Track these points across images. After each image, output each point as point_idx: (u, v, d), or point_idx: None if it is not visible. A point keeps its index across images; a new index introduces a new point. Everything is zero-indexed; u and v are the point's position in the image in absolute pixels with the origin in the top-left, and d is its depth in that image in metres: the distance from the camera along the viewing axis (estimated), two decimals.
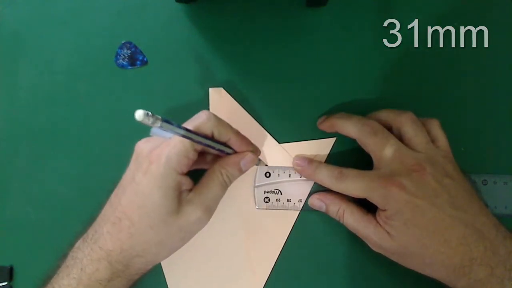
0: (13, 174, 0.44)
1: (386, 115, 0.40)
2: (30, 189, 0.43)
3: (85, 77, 0.45)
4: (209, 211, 0.37)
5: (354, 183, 0.37)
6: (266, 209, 0.42)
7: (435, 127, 0.39)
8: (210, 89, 0.44)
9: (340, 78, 0.44)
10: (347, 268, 0.42)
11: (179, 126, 0.33)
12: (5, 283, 0.42)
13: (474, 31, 0.45)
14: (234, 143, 0.38)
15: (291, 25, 0.45)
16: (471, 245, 0.34)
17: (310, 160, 0.41)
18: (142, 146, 0.37)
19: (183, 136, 0.33)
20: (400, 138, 0.38)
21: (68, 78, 0.45)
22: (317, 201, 0.41)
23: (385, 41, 0.45)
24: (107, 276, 0.35)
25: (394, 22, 0.45)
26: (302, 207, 0.42)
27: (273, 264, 0.42)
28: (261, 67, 0.44)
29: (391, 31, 0.45)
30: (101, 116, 0.44)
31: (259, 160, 0.41)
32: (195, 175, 0.37)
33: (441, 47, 0.45)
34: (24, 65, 0.45)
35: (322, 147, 0.43)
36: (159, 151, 0.35)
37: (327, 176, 0.39)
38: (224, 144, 0.38)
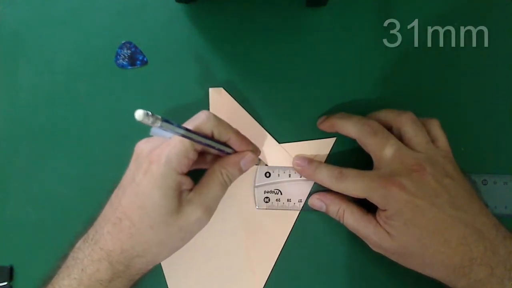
0: (13, 174, 0.44)
1: (386, 115, 0.40)
2: (30, 189, 0.43)
3: (85, 77, 0.45)
4: (210, 211, 0.37)
5: (354, 183, 0.37)
6: (266, 209, 0.42)
7: (435, 127, 0.39)
8: (210, 89, 0.44)
9: (340, 78, 0.44)
10: (347, 268, 0.42)
11: (179, 126, 0.33)
12: (5, 283, 0.42)
13: (474, 31, 0.45)
14: (234, 142, 0.38)
15: (291, 25, 0.45)
16: (471, 245, 0.34)
17: (310, 160, 0.41)
18: (142, 146, 0.37)
19: (183, 136, 0.33)
20: (400, 138, 0.38)
21: (68, 78, 0.45)
22: (317, 201, 0.41)
23: (385, 41, 0.45)
24: (108, 277, 0.35)
25: (394, 22, 0.45)
26: (302, 207, 0.42)
27: (273, 264, 0.42)
28: (261, 67, 0.45)
29: (391, 31, 0.45)
30: (101, 116, 0.44)
31: (259, 160, 0.41)
32: (195, 175, 0.37)
33: (441, 47, 0.45)
34: (24, 65, 0.45)
35: (322, 147, 0.43)
36: (159, 151, 0.35)
37: (327, 176, 0.39)
38: (224, 144, 0.38)
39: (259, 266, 0.42)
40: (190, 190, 0.37)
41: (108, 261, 0.35)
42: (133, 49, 0.45)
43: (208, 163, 0.40)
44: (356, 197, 0.37)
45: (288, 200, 0.42)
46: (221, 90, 0.43)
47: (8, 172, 0.44)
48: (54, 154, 0.44)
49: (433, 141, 0.38)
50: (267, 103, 0.44)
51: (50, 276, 0.37)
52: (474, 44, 0.45)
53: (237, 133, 0.38)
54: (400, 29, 0.45)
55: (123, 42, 0.45)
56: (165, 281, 0.42)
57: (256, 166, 0.42)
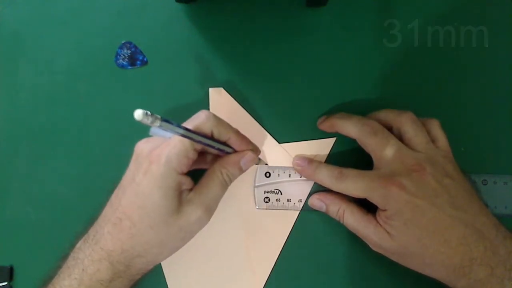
0: (13, 174, 0.44)
1: (386, 115, 0.40)
2: (30, 189, 0.43)
3: (85, 77, 0.45)
4: (210, 210, 0.37)
5: (354, 183, 0.37)
6: (266, 209, 0.42)
7: (435, 127, 0.39)
8: (210, 89, 0.44)
9: (340, 78, 0.44)
10: (347, 268, 0.42)
11: (179, 126, 0.33)
12: (5, 283, 0.42)
13: (474, 31, 0.45)
14: (234, 142, 0.38)
15: (291, 25, 0.45)
16: (471, 245, 0.34)
17: (310, 160, 0.41)
18: (142, 146, 0.37)
19: (183, 135, 0.33)
20: (400, 138, 0.38)
21: (68, 78, 0.45)
22: (317, 201, 0.41)
23: (385, 41, 0.45)
24: (109, 277, 0.35)
25: (394, 22, 0.45)
26: (302, 207, 0.42)
27: (273, 264, 0.42)
28: (261, 67, 0.45)
29: (391, 31, 0.45)
30: (101, 116, 0.44)
31: (259, 159, 0.41)
32: (195, 175, 0.37)
33: (441, 47, 0.45)
34: (24, 65, 0.45)
35: (322, 147, 0.43)
36: (159, 151, 0.35)
37: (327, 176, 0.39)
38: (224, 143, 0.38)
39: (259, 266, 0.42)
40: (190, 190, 0.37)
41: (109, 261, 0.35)
42: (133, 49, 0.45)
43: (208, 163, 0.40)
44: (356, 197, 0.37)
45: (288, 200, 0.42)
46: (221, 90, 0.43)
47: (8, 172, 0.44)
48: (54, 154, 0.44)
49: (433, 141, 0.38)
50: (267, 103, 0.44)
51: (50, 276, 0.37)
52: (474, 44, 0.45)
53: (237, 132, 0.38)
54: (400, 29, 0.45)
55: (123, 42, 0.45)
56: (165, 281, 0.42)
57: (256, 166, 0.42)
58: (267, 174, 0.42)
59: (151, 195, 0.34)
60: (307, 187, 0.42)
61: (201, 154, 0.38)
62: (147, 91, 0.44)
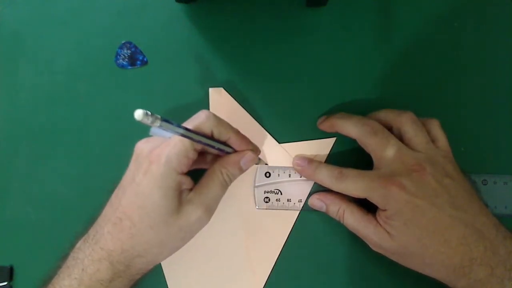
0: (13, 174, 0.44)
1: (386, 115, 0.40)
2: (30, 189, 0.43)
3: (85, 77, 0.45)
4: (210, 210, 0.37)
5: (354, 183, 0.37)
6: (266, 209, 0.42)
7: (435, 127, 0.39)
8: (210, 89, 0.44)
9: (340, 78, 0.44)
10: (347, 268, 0.42)
11: (179, 126, 0.33)
12: (5, 283, 0.42)
13: (474, 31, 0.45)
14: (234, 142, 0.38)
15: (291, 25, 0.45)
16: (471, 245, 0.34)
17: (310, 160, 0.41)
18: (142, 146, 0.37)
19: (183, 135, 0.33)
20: (400, 138, 0.38)
21: (68, 78, 0.45)
22: (317, 201, 0.41)
23: (385, 41, 0.45)
24: (109, 276, 0.35)
25: (394, 22, 0.45)
26: (302, 207, 0.42)
27: (273, 264, 0.42)
28: (261, 67, 0.45)
29: (391, 31, 0.45)
30: (101, 116, 0.44)
31: (259, 159, 0.41)
32: (195, 175, 0.37)
33: (441, 47, 0.45)
34: (24, 65, 0.45)
35: (322, 147, 0.43)
36: (159, 151, 0.35)
37: (327, 176, 0.39)
38: (224, 143, 0.38)
39: (259, 266, 0.42)
40: (190, 190, 0.37)
41: (109, 261, 0.35)
42: (133, 49, 0.45)
43: (208, 163, 0.40)
44: (356, 197, 0.37)
45: (288, 200, 0.42)
46: (221, 90, 0.43)
47: (8, 172, 0.44)
48: (54, 154, 0.44)
49: (433, 141, 0.38)
50: (267, 103, 0.44)
51: (50, 276, 0.37)
52: (474, 44, 0.45)
53: (237, 132, 0.38)
54: (400, 29, 0.45)
55: (123, 42, 0.45)
56: (165, 281, 0.42)
57: (256, 166, 0.42)
58: (267, 174, 0.42)
59: (151, 195, 0.34)
60: (307, 187, 0.42)
61: (201, 154, 0.38)
62: (147, 91, 0.44)
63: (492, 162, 0.44)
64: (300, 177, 0.42)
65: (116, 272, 0.35)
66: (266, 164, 0.43)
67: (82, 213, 0.41)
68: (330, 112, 0.43)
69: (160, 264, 0.41)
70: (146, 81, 0.44)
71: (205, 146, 0.36)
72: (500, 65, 0.45)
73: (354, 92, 0.44)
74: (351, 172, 0.38)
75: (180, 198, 0.35)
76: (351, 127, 0.39)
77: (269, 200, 0.42)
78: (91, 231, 0.37)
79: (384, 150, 0.37)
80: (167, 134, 0.33)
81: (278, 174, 0.42)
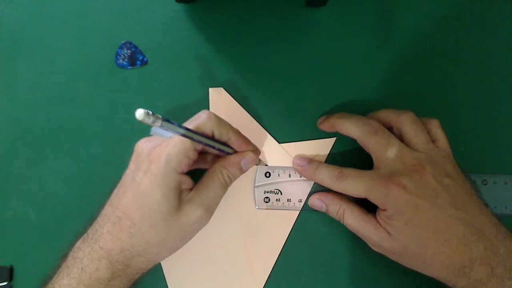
0: (13, 174, 0.43)
1: (386, 115, 0.40)
2: (30, 189, 0.43)
3: (85, 77, 0.45)
4: (210, 210, 0.37)
5: (355, 183, 0.37)
6: (266, 209, 0.42)
7: (435, 127, 0.39)
8: (210, 89, 0.44)
9: (340, 78, 0.44)
10: (347, 268, 0.42)
11: (180, 126, 0.33)
12: (5, 283, 0.42)
13: (474, 31, 0.45)
14: (235, 142, 0.38)
15: (291, 25, 0.45)
16: (471, 245, 0.34)
17: (310, 160, 0.41)
18: (142, 145, 0.37)
19: (183, 135, 0.33)
20: (401, 138, 0.38)
21: (68, 78, 0.45)
22: (317, 201, 0.41)
23: (385, 41, 0.45)
24: (108, 276, 0.35)
25: (394, 22, 0.45)
26: (302, 207, 0.42)
27: (273, 264, 0.42)
28: (261, 67, 0.45)
29: (391, 31, 0.45)
30: (101, 116, 0.44)
31: (259, 160, 0.41)
32: (195, 175, 0.37)
33: (441, 47, 0.45)
34: (24, 65, 0.45)
35: (322, 147, 0.43)
36: (159, 151, 0.35)
37: (327, 176, 0.39)
38: (224, 143, 0.38)
39: (259, 266, 0.42)
40: (190, 189, 0.37)
41: (108, 260, 0.35)
42: (133, 49, 0.45)
43: (209, 163, 0.40)
44: (356, 196, 0.37)
45: (288, 200, 0.42)
46: (221, 90, 0.43)
47: (8, 172, 0.44)
48: (54, 154, 0.44)
49: (433, 141, 0.38)
50: (267, 103, 0.44)
51: (50, 275, 0.37)
52: (474, 44, 0.45)
53: (238, 133, 0.38)
54: (400, 29, 0.45)
55: (123, 42, 0.45)
56: (165, 281, 0.42)
57: (256, 166, 0.42)
58: (267, 174, 0.42)
59: (152, 195, 0.34)
60: (307, 187, 0.42)
61: (202, 154, 0.38)
62: (147, 91, 0.44)
63: (492, 162, 0.44)
64: (300, 177, 0.42)
65: (115, 271, 0.35)
66: (266, 165, 0.43)
67: (82, 213, 0.41)
68: (330, 112, 0.43)
69: (160, 264, 0.41)
70: (146, 81, 0.44)
71: (205, 146, 0.36)
72: (500, 65, 0.45)
73: (354, 92, 0.44)
74: (351, 172, 0.38)
75: (180, 198, 0.36)
76: (351, 127, 0.39)
77: (269, 200, 0.42)
78: (91, 231, 0.37)
79: (384, 150, 0.37)
80: (168, 134, 0.33)
81: (278, 174, 0.42)
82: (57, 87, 0.44)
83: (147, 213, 0.35)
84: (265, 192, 0.42)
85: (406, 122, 0.38)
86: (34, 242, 0.43)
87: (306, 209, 0.42)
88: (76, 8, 0.45)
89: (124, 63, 0.44)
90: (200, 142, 0.35)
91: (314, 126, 0.43)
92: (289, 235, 0.42)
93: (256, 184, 0.42)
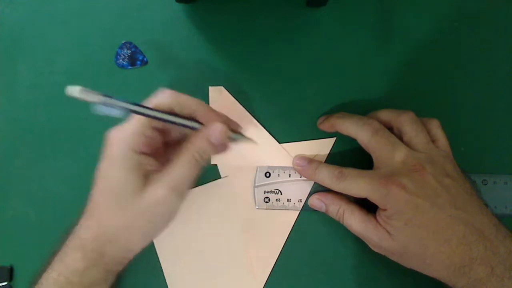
0: (13, 174, 0.43)
1: (386, 115, 0.40)
2: (30, 189, 0.43)
3: (85, 77, 0.45)
4: (177, 190, 0.35)
5: (355, 183, 0.37)
6: (266, 209, 0.42)
7: (435, 127, 0.39)
8: (210, 88, 0.44)
9: (340, 78, 0.44)
10: (347, 268, 0.42)
11: (127, 101, 0.31)
12: (5, 283, 0.42)
13: (474, 31, 0.45)
14: (202, 116, 0.36)
15: (291, 25, 0.45)
16: (471, 245, 0.34)
17: (310, 160, 0.41)
18: (109, 134, 0.36)
19: (134, 112, 0.32)
20: (400, 137, 0.38)
21: (68, 78, 0.45)
22: (317, 201, 0.41)
23: (385, 41, 0.45)
24: (83, 265, 0.35)
25: (394, 22, 0.45)
26: (302, 207, 0.42)
27: (273, 264, 0.42)
28: (261, 67, 0.45)
29: (391, 31, 0.45)
30: (101, 116, 0.44)
31: (243, 136, 0.39)
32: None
33: (441, 47, 0.45)
34: (24, 65, 0.45)
35: (322, 147, 0.43)
36: (116, 133, 0.35)
37: (328, 176, 0.39)
38: (191, 120, 0.36)
39: (259, 266, 0.42)
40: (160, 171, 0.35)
41: (83, 250, 0.35)
42: (133, 49, 0.45)
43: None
44: (356, 196, 0.37)
45: (288, 200, 0.42)
46: (221, 88, 0.43)
47: (8, 172, 0.44)
48: (54, 154, 0.44)
49: (433, 141, 0.38)
50: (267, 103, 0.44)
51: (39, 273, 0.37)
52: (474, 44, 0.45)
53: (203, 105, 0.36)
54: (399, 29, 0.45)
55: (123, 42, 0.45)
56: (165, 281, 0.42)
57: (256, 166, 0.42)
58: (267, 174, 0.42)
59: (112, 177, 0.34)
60: (307, 187, 0.42)
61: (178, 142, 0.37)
62: (147, 91, 0.44)
63: (492, 162, 0.44)
64: (300, 177, 0.42)
65: (90, 260, 0.35)
66: (248, 139, 0.40)
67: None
68: (330, 112, 0.43)
69: (160, 264, 0.41)
70: (146, 81, 0.44)
71: (166, 123, 0.35)
72: (500, 65, 0.45)
73: (354, 92, 0.44)
74: (351, 172, 0.38)
75: (145, 179, 0.34)
76: (351, 127, 0.39)
77: (269, 200, 0.42)
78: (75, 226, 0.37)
79: (384, 150, 0.37)
80: (115, 112, 0.32)
81: (278, 174, 0.42)
82: (57, 87, 0.44)
83: (111, 196, 0.34)
84: (265, 192, 0.42)
85: (406, 122, 0.38)
86: (34, 242, 0.43)
87: (306, 209, 0.42)
88: (76, 8, 0.45)
89: (124, 63, 0.44)
90: (156, 118, 0.34)
91: (314, 126, 0.43)
92: (289, 235, 0.42)
93: (256, 184, 0.42)
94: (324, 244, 0.42)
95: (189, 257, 0.41)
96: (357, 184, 0.37)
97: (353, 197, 0.38)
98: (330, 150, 0.43)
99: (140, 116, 0.33)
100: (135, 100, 0.44)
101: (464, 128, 0.44)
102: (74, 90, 0.27)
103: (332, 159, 0.43)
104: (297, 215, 0.42)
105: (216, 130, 0.35)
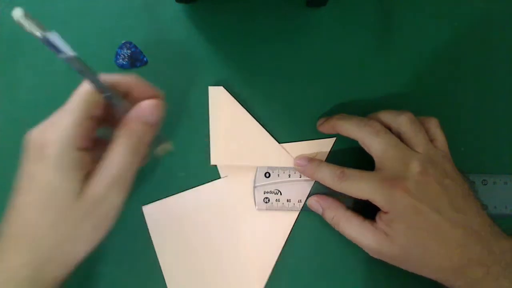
0: (13, 174, 0.43)
1: (384, 115, 0.40)
2: None
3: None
4: (117, 183, 0.31)
5: (357, 184, 0.37)
6: (266, 209, 0.42)
7: (434, 126, 0.39)
8: (210, 88, 0.43)
9: (340, 78, 0.44)
10: (347, 269, 0.42)
11: (73, 53, 0.29)
12: None
13: (474, 30, 0.45)
14: (136, 93, 0.33)
15: (291, 25, 0.45)
16: (469, 246, 0.34)
17: (310, 159, 0.41)
18: (30, 136, 0.32)
19: (74, 63, 0.30)
20: (400, 138, 0.38)
21: (68, 78, 0.44)
22: (315, 203, 0.41)
23: (385, 41, 0.45)
24: None
25: (394, 22, 0.45)
26: (302, 207, 0.42)
27: (273, 264, 0.42)
28: (261, 67, 0.45)
29: (391, 31, 0.45)
30: None
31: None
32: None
33: (440, 47, 0.45)
34: (24, 65, 0.45)
35: (322, 147, 0.43)
36: (49, 132, 0.31)
37: (329, 175, 0.38)
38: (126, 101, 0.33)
39: (259, 266, 0.42)
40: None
41: (14, 281, 0.30)
42: (133, 49, 0.45)
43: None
44: (357, 198, 0.37)
45: (288, 201, 0.42)
46: (221, 88, 0.43)
47: (8, 172, 0.43)
48: None
49: (431, 140, 0.38)
50: (267, 103, 0.44)
51: None
52: (474, 44, 0.45)
53: (138, 79, 0.34)
54: (399, 29, 0.45)
55: (123, 42, 0.45)
56: (165, 282, 0.41)
57: (256, 166, 0.42)
58: (267, 175, 0.42)
59: (50, 182, 0.30)
60: (306, 187, 0.42)
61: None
62: None
63: (492, 162, 0.44)
64: (300, 177, 0.42)
65: None
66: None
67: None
68: (331, 113, 0.43)
69: (159, 264, 0.41)
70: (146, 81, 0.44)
71: (106, 99, 0.32)
72: (500, 65, 0.45)
73: (354, 92, 0.44)
74: (353, 173, 0.37)
75: (85, 179, 0.31)
76: (352, 128, 0.39)
77: (268, 200, 0.42)
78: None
79: (386, 151, 0.37)
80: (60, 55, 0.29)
81: (278, 175, 0.42)
82: (57, 87, 0.44)
83: (47, 207, 0.30)
84: (264, 192, 0.42)
85: (404, 122, 0.38)
86: None
87: (306, 210, 0.42)
88: (76, 8, 0.45)
89: (124, 63, 0.44)
90: (95, 83, 0.31)
91: (314, 126, 0.43)
92: (289, 235, 0.42)
93: (255, 185, 0.42)
94: (324, 244, 0.42)
95: (189, 258, 0.41)
96: (359, 185, 0.37)
97: (353, 199, 0.37)
98: (330, 150, 0.43)
99: (74, 105, 0.30)
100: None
101: (464, 128, 0.44)
102: (17, 13, 0.25)
103: (332, 159, 0.43)
104: (297, 216, 0.42)
105: (147, 107, 0.32)
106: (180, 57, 0.45)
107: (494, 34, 0.45)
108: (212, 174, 0.43)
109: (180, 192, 0.42)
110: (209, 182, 0.43)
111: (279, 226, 0.42)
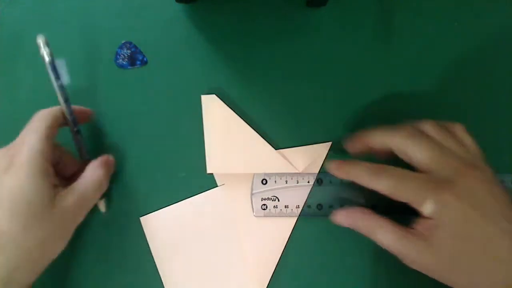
0: None
1: (406, 127, 0.37)
2: None
3: (85, 77, 0.45)
4: (85, 203, 0.35)
5: (398, 183, 0.33)
6: (264, 216, 0.42)
7: (460, 131, 0.37)
8: (202, 97, 0.43)
9: (340, 79, 0.44)
10: (346, 274, 0.42)
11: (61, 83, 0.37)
12: None
13: (474, 31, 0.45)
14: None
15: (291, 25, 0.45)
16: None
17: (343, 160, 0.38)
18: (1, 151, 0.35)
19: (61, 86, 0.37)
20: None
21: (68, 78, 0.45)
22: (345, 219, 0.36)
23: (385, 41, 0.45)
24: None
25: (394, 22, 0.45)
26: (300, 213, 0.42)
27: (272, 271, 0.41)
28: (261, 67, 0.44)
29: (391, 31, 0.45)
30: (101, 116, 0.44)
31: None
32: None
33: (441, 47, 0.45)
34: (24, 65, 0.45)
35: (318, 151, 0.43)
36: (18, 145, 0.33)
37: (366, 172, 0.35)
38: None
39: (258, 273, 0.41)
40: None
41: None
42: (133, 49, 0.45)
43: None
44: (394, 198, 0.34)
45: (285, 207, 0.42)
46: (214, 97, 0.43)
47: None
48: None
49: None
50: (267, 103, 0.44)
51: None
52: (474, 44, 0.45)
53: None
54: (399, 29, 0.45)
55: (123, 42, 0.45)
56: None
57: (253, 173, 0.42)
58: (264, 181, 0.42)
59: (21, 190, 0.31)
60: (304, 193, 0.42)
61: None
62: (147, 91, 0.44)
63: (492, 162, 0.43)
64: (297, 183, 0.42)
65: None
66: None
67: None
68: (328, 114, 0.43)
69: (157, 271, 0.41)
70: (146, 81, 0.44)
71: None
72: (500, 65, 0.45)
73: (354, 93, 0.44)
74: (394, 170, 0.34)
75: (54, 189, 0.33)
76: (386, 137, 0.36)
77: (266, 207, 0.42)
78: None
79: (428, 152, 0.34)
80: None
81: (275, 181, 0.42)
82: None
83: (20, 214, 0.31)
84: (262, 199, 0.42)
85: (431, 129, 0.36)
86: None
87: (304, 215, 0.42)
88: (76, 8, 0.45)
89: (124, 63, 0.44)
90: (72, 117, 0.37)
91: (313, 128, 0.43)
92: (287, 241, 0.42)
93: (253, 192, 0.42)
94: (323, 249, 0.42)
95: (187, 265, 0.41)
96: (400, 184, 0.33)
97: (388, 199, 0.34)
98: (326, 155, 0.43)
99: (37, 125, 0.35)
100: (135, 100, 0.44)
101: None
102: (42, 39, 0.31)
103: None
104: (295, 221, 0.42)
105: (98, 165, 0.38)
106: (180, 57, 0.45)
107: (494, 34, 0.45)
108: (209, 182, 0.42)
109: (178, 201, 0.42)
110: (206, 191, 0.42)
111: (277, 232, 0.42)
